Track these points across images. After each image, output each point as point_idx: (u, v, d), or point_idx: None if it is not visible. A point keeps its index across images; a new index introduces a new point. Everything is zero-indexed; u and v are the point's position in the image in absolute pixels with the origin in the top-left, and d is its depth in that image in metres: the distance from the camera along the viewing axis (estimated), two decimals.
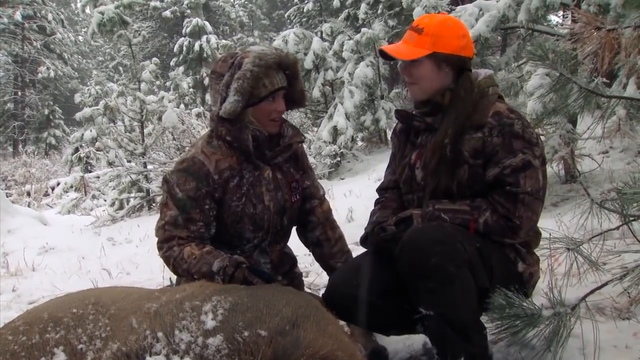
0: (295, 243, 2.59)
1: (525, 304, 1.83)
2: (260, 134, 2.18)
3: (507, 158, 1.87)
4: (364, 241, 2.17)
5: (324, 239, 2.49)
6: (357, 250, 2.51)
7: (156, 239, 2.23)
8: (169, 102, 8.75)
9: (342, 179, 8.25)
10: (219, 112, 2.16)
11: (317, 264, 2.65)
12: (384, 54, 2.06)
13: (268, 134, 2.23)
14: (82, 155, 13.77)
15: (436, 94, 2.02)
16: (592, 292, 2.08)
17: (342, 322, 1.84)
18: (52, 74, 26.33)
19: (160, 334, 1.59)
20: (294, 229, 2.55)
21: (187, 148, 2.35)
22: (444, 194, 1.97)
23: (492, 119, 1.92)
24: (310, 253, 2.60)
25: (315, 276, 3.54)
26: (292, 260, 2.51)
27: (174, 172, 2.21)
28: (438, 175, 1.96)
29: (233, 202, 2.21)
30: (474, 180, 1.93)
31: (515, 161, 1.85)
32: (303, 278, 3.47)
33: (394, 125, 2.33)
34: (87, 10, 11.06)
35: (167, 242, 2.16)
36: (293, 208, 2.37)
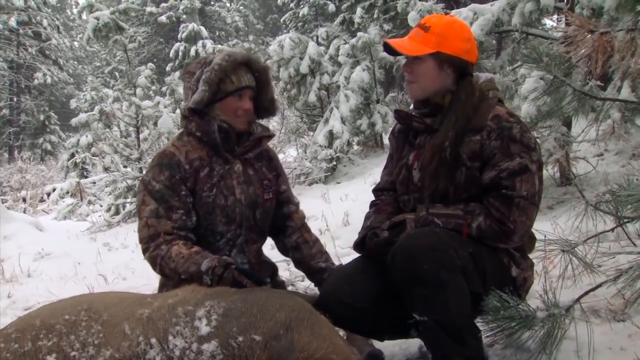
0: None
1: (519, 305, 1.83)
2: (227, 125, 2.25)
3: (504, 161, 1.86)
4: (357, 246, 2.16)
5: (302, 242, 2.50)
6: (352, 255, 2.51)
7: (140, 242, 2.23)
8: (165, 107, 8.75)
9: (338, 183, 8.25)
10: (189, 107, 2.27)
11: None
12: (388, 48, 2.07)
13: (237, 130, 2.29)
14: (77, 160, 13.75)
15: (435, 95, 2.02)
16: (586, 293, 2.09)
17: None
18: (47, 80, 26.33)
19: (153, 340, 1.59)
20: (271, 239, 2.56)
21: None
22: (440, 197, 1.97)
23: (492, 122, 1.92)
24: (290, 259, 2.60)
25: None
26: (273, 267, 2.51)
27: (148, 171, 2.28)
28: (437, 178, 1.96)
29: (204, 192, 2.25)
30: (471, 183, 1.93)
31: (512, 165, 1.85)
32: (299, 282, 3.49)
33: (392, 126, 2.33)
34: (84, 16, 11.04)
35: (154, 241, 2.16)
36: (266, 205, 2.39)
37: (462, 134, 1.93)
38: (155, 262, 2.16)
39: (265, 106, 2.42)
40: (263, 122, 2.53)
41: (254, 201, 2.33)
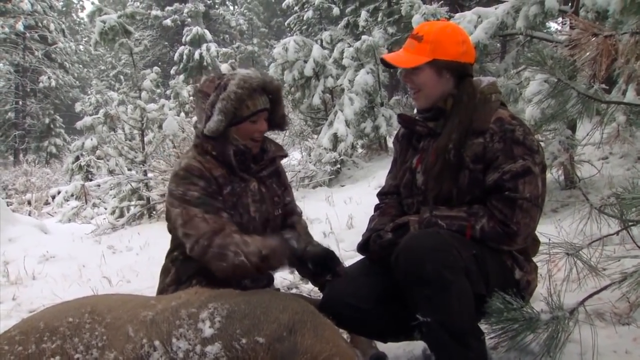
0: None
1: (523, 307, 1.82)
2: (245, 148, 2.27)
3: (507, 163, 1.87)
4: (361, 248, 2.17)
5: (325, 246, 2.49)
6: (356, 258, 2.51)
7: (198, 239, 2.08)
8: (170, 110, 8.76)
9: (342, 186, 8.24)
10: (203, 130, 2.25)
11: None
12: (385, 63, 2.08)
13: (252, 153, 2.31)
14: (82, 163, 13.80)
15: (439, 100, 2.03)
16: (590, 296, 2.08)
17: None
18: (53, 83, 26.42)
19: (157, 343, 1.59)
20: None
21: (175, 163, 2.38)
22: (444, 199, 1.98)
23: (494, 125, 1.92)
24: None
25: None
26: (269, 276, 2.50)
27: (176, 187, 2.19)
28: (441, 180, 1.97)
29: (225, 210, 2.22)
30: (474, 186, 1.93)
31: (515, 167, 1.86)
32: (304, 285, 3.50)
33: (396, 131, 2.34)
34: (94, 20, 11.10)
35: (221, 232, 2.07)
36: (276, 221, 2.42)
37: (465, 136, 1.94)
38: (226, 252, 2.03)
39: (277, 122, 2.45)
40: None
41: (266, 219, 2.35)
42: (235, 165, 2.25)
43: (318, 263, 2.00)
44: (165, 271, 2.36)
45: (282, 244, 2.01)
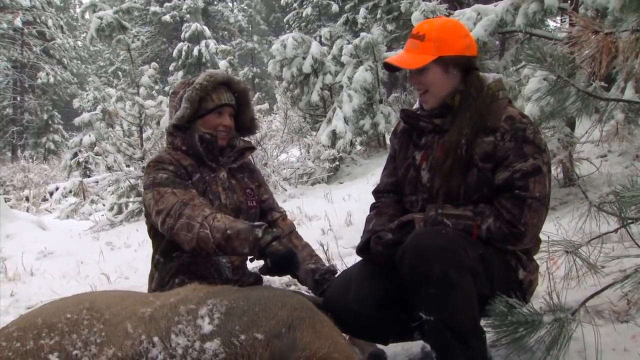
0: None
1: (526, 310, 1.82)
2: (209, 136, 2.35)
3: (517, 162, 1.86)
4: (360, 250, 2.13)
5: (291, 247, 2.48)
6: (354, 255, 2.50)
7: (168, 212, 2.13)
8: (168, 106, 8.75)
9: (341, 183, 8.25)
10: (172, 123, 2.38)
11: None
12: (389, 66, 2.06)
13: (218, 145, 2.39)
14: (80, 160, 13.81)
15: (447, 97, 2.02)
16: (592, 296, 2.08)
17: None
18: (51, 79, 26.39)
19: (156, 339, 1.59)
20: None
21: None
22: (451, 197, 1.96)
23: (505, 124, 1.91)
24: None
25: None
26: (257, 276, 2.51)
27: (147, 176, 2.30)
28: (450, 176, 1.95)
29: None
30: (482, 184, 1.92)
31: (526, 166, 1.85)
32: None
33: (396, 126, 2.32)
34: (87, 16, 11.06)
35: (191, 202, 2.13)
36: (250, 212, 2.44)
37: (476, 132, 1.92)
38: (193, 222, 2.07)
39: (246, 125, 2.55)
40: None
41: (238, 207, 2.39)
42: (203, 152, 2.34)
43: (276, 261, 1.99)
44: (150, 277, 2.42)
45: (248, 229, 2.02)
